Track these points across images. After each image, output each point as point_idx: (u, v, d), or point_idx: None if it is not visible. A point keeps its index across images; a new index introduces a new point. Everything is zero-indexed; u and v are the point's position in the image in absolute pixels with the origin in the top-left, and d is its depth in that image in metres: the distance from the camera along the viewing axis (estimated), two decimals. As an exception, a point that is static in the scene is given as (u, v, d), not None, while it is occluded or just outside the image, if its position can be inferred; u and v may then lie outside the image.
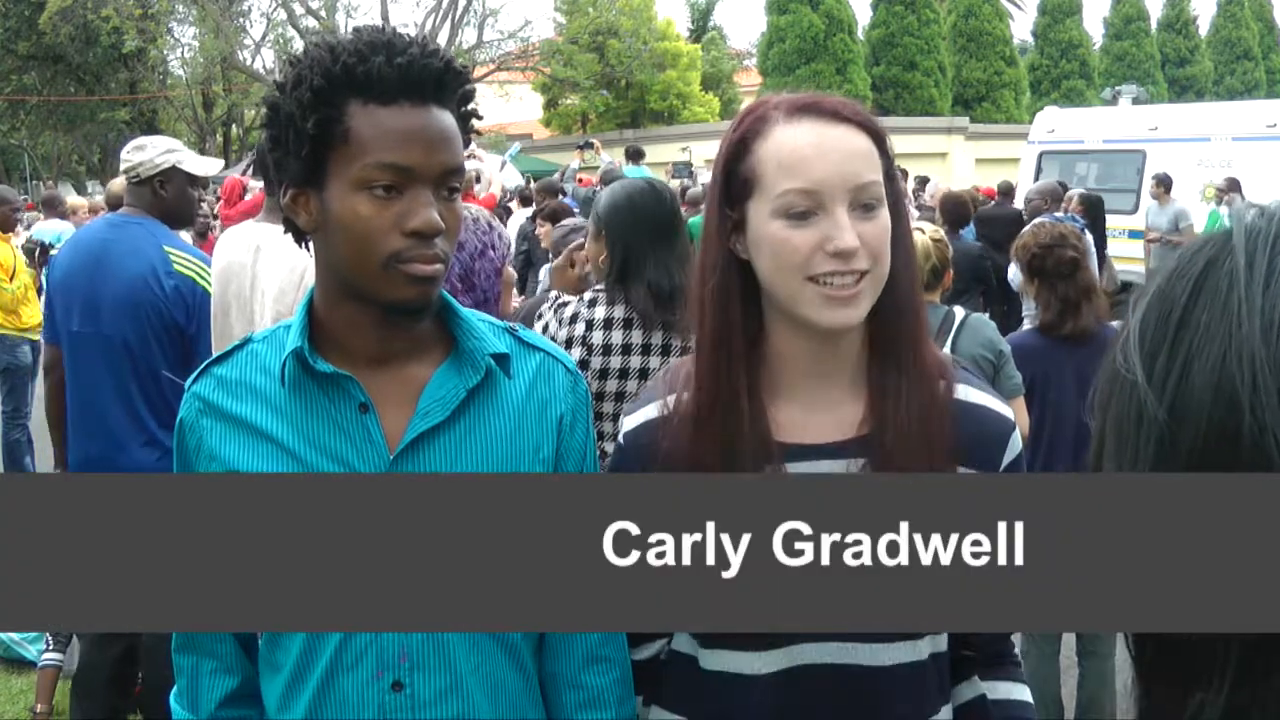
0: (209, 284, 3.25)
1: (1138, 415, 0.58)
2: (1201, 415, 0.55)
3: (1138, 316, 0.60)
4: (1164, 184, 10.92)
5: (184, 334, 3.30)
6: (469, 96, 1.34)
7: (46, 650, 4.08)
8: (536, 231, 8.16)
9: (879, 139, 1.29)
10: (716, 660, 1.37)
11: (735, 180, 1.31)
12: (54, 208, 11.92)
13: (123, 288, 3.29)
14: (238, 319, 2.94)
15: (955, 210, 7.18)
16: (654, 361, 2.60)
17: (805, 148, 1.26)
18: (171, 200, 3.42)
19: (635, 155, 12.23)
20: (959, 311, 3.47)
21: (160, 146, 3.44)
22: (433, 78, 1.27)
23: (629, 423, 1.45)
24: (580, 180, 12.34)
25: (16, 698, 4.33)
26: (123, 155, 3.45)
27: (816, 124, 1.27)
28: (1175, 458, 0.56)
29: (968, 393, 1.38)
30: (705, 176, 13.58)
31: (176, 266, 3.31)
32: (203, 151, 30.29)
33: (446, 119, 1.29)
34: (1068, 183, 10.71)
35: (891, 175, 1.31)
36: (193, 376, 1.41)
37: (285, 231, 1.39)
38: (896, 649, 1.33)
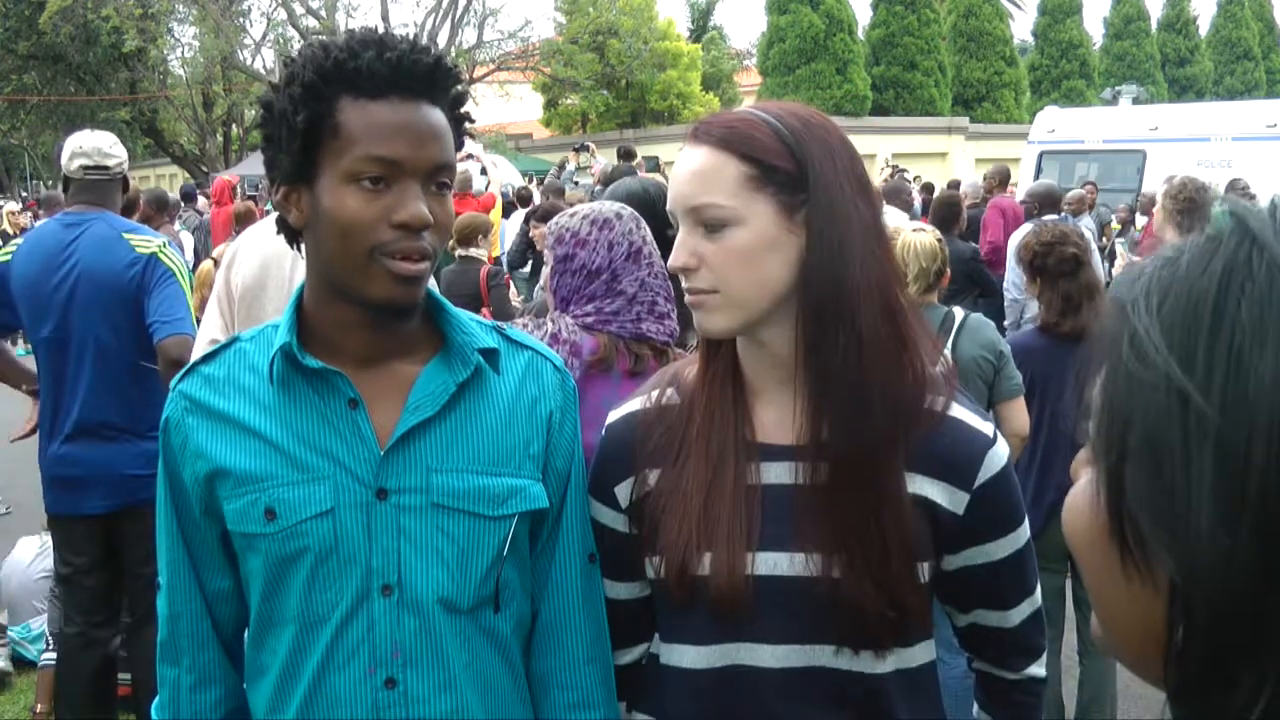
0: (169, 259, 3.35)
1: (1181, 418, 0.55)
2: (1268, 409, 0.52)
3: (1150, 320, 0.57)
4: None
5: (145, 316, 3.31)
6: (461, 99, 1.35)
7: (46, 650, 4.08)
8: (531, 234, 8.05)
9: (744, 156, 1.28)
10: (667, 654, 1.41)
11: None
12: (54, 208, 11.83)
13: (94, 286, 3.30)
14: (273, 296, 2.90)
15: (945, 211, 7.07)
16: None
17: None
18: (125, 194, 3.61)
19: (627, 155, 12.24)
20: (959, 312, 3.46)
21: (121, 146, 3.55)
22: (423, 73, 1.28)
23: (613, 415, 1.48)
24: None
25: (16, 697, 4.33)
26: (107, 150, 3.44)
27: (685, 147, 1.32)
28: (1241, 456, 0.53)
29: (954, 409, 1.35)
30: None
31: (138, 250, 3.35)
32: (202, 151, 30.37)
33: (437, 115, 1.29)
34: (1068, 183, 10.72)
35: (804, 186, 1.27)
36: (179, 375, 1.39)
37: (278, 233, 1.38)
38: (783, 654, 1.32)
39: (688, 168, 1.30)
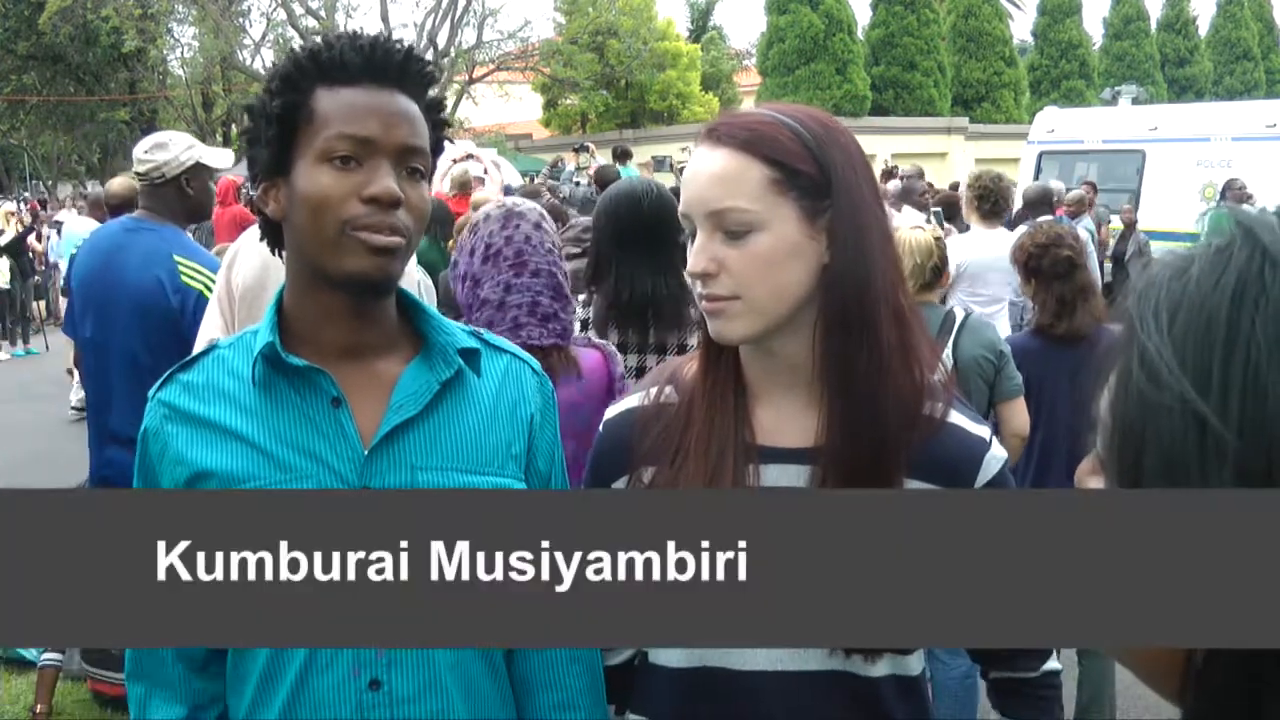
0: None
1: (1198, 442, 0.52)
2: None
3: (1161, 339, 0.55)
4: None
5: (187, 345, 3.24)
6: (438, 102, 1.37)
7: (46, 650, 4.08)
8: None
9: (768, 159, 1.25)
10: (654, 653, 1.42)
11: None
12: (95, 208, 11.38)
13: (131, 300, 3.23)
14: (273, 297, 2.84)
15: (944, 211, 7.10)
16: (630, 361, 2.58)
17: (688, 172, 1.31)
18: (197, 197, 3.38)
19: (623, 155, 12.22)
20: (959, 312, 3.47)
21: (181, 143, 3.37)
22: (395, 63, 1.31)
23: (611, 411, 1.48)
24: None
25: (16, 698, 4.33)
26: (141, 156, 3.33)
27: (699, 148, 1.30)
28: (1261, 480, 0.51)
29: (951, 414, 1.35)
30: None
31: (185, 279, 3.25)
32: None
33: (409, 103, 1.32)
34: (1068, 183, 10.71)
35: (827, 191, 1.25)
36: (157, 384, 1.38)
37: (261, 239, 1.40)
38: (776, 656, 1.32)
39: (707, 170, 1.26)
